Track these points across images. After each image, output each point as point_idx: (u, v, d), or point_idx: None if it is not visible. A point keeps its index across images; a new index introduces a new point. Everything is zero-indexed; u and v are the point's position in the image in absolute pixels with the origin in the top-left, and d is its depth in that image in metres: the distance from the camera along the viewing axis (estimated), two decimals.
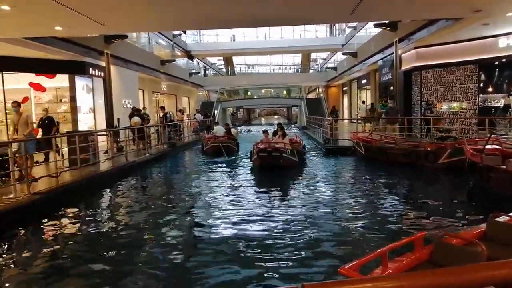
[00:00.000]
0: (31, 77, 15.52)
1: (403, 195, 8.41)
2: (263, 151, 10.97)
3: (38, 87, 15.89)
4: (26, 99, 16.04)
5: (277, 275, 4.30)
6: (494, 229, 3.55)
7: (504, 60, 14.62)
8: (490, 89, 15.86)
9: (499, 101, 15.29)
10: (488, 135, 9.12)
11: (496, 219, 3.63)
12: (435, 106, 15.74)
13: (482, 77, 15.73)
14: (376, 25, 18.29)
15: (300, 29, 47.75)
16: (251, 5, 9.43)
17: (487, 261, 2.76)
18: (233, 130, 17.64)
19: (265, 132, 13.09)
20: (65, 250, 5.37)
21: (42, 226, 6.40)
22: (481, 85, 15.62)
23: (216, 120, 28.91)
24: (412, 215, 6.55)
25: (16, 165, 7.88)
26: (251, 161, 11.73)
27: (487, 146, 8.17)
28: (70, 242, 5.64)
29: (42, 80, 15.78)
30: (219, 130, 17.10)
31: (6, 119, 14.40)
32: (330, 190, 8.89)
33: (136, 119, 14.89)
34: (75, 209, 7.52)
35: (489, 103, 15.63)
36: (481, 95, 15.46)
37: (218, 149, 15.02)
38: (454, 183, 9.47)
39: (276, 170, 10.76)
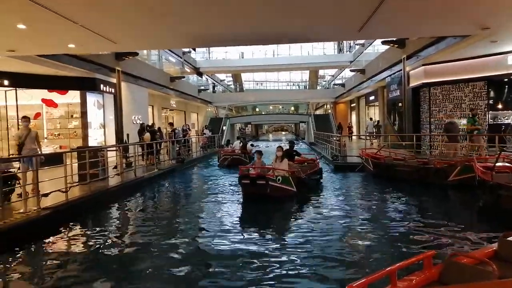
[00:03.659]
0: (44, 93, 15.83)
1: (412, 213, 8.29)
2: (245, 178, 9.14)
3: (50, 103, 16.18)
4: (38, 115, 16.34)
5: None
6: (505, 249, 3.48)
7: None
8: (500, 106, 15.75)
9: (510, 118, 15.17)
10: (498, 152, 9.03)
11: (507, 238, 3.56)
12: None
13: (492, 94, 15.65)
14: (384, 42, 18.41)
15: (308, 46, 48.25)
16: (261, 24, 9.58)
17: None
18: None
19: (258, 152, 10.67)
20: (71, 266, 5.37)
21: (52, 241, 6.43)
22: (490, 102, 15.53)
23: (224, 136, 29.41)
24: (421, 233, 6.45)
25: (18, 181, 7.90)
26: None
27: (498, 164, 8.08)
28: (77, 258, 5.64)
29: (54, 96, 16.08)
30: (236, 144, 18.96)
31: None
32: (338, 206, 8.80)
33: (147, 134, 15.20)
34: (84, 225, 7.57)
35: (499, 120, 15.51)
36: (490, 112, 15.37)
37: (225, 161, 16.76)
38: (464, 201, 9.34)
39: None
